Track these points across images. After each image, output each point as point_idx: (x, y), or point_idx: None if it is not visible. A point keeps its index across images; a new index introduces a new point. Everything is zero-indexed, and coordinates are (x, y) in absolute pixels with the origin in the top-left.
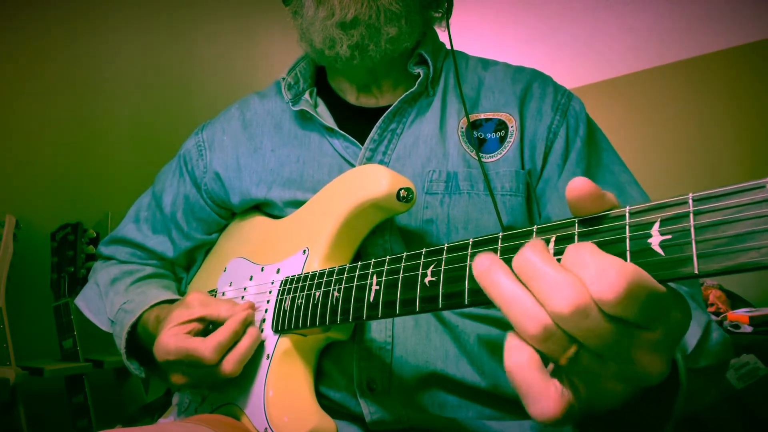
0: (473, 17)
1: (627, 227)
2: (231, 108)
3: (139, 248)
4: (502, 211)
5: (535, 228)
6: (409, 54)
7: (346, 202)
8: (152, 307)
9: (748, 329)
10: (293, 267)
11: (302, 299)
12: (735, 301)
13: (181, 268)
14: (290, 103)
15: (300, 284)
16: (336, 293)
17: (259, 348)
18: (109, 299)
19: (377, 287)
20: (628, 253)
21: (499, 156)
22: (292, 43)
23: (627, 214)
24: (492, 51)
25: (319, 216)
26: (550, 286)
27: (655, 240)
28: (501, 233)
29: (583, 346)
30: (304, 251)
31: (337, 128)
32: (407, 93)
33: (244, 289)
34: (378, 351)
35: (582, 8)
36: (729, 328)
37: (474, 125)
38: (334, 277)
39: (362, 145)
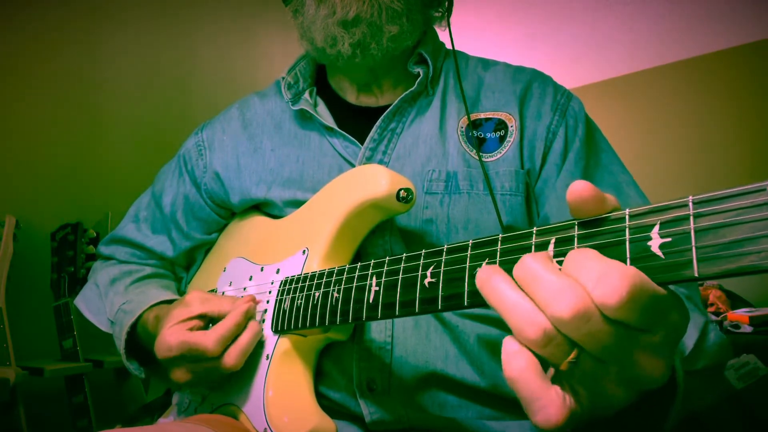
0: (473, 17)
1: (627, 230)
2: (231, 108)
3: (138, 248)
4: (501, 210)
5: (534, 230)
6: (409, 53)
7: (345, 203)
8: (152, 307)
9: (748, 329)
10: (293, 267)
11: (302, 300)
12: (735, 301)
13: (181, 267)
14: (290, 103)
15: (299, 284)
16: (335, 294)
17: (259, 348)
18: (108, 299)
19: (377, 288)
20: (628, 256)
21: (498, 155)
22: (292, 43)
23: (627, 217)
24: (492, 51)
25: (319, 216)
26: (551, 291)
27: (655, 243)
28: (501, 234)
29: (583, 351)
30: (304, 251)
31: (336, 128)
32: (407, 92)
33: (244, 289)
34: (378, 351)
35: (582, 8)
36: (729, 328)
37: (474, 125)
38: (334, 277)
39: (362, 144)
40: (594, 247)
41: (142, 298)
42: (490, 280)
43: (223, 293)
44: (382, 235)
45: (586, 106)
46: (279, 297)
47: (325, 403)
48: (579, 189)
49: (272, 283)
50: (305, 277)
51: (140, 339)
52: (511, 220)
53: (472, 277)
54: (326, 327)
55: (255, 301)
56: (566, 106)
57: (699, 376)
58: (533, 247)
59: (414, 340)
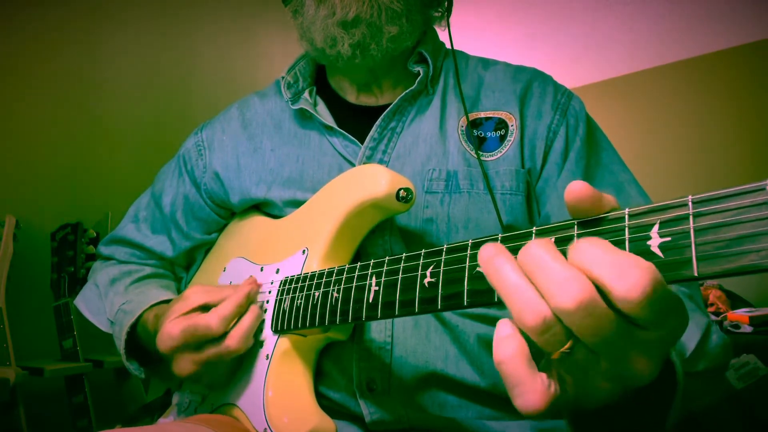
0: (473, 17)
1: (626, 229)
2: (231, 108)
3: (138, 248)
4: (501, 210)
5: (534, 229)
6: (409, 53)
7: (345, 203)
8: (151, 307)
9: (748, 329)
10: (293, 267)
11: (302, 299)
12: (735, 301)
13: (181, 267)
14: (289, 102)
15: (299, 284)
16: (335, 294)
17: (259, 348)
18: (108, 300)
19: (376, 288)
20: None
21: (499, 155)
22: (292, 43)
23: (626, 216)
24: (492, 51)
25: (319, 216)
26: (556, 280)
27: (655, 242)
28: (500, 234)
29: (579, 341)
30: (304, 251)
31: (336, 127)
32: (407, 91)
33: None
34: (377, 351)
35: (582, 8)
36: (729, 328)
37: (474, 124)
38: (334, 277)
39: (362, 143)
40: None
41: (142, 298)
42: (493, 259)
43: None
44: (381, 234)
45: (586, 106)
46: (279, 297)
47: (325, 403)
48: (577, 189)
49: (272, 282)
50: (305, 277)
51: (140, 339)
52: (511, 220)
53: (472, 277)
54: (326, 327)
55: (257, 284)
56: (567, 105)
57: (699, 377)
58: None
59: (414, 340)
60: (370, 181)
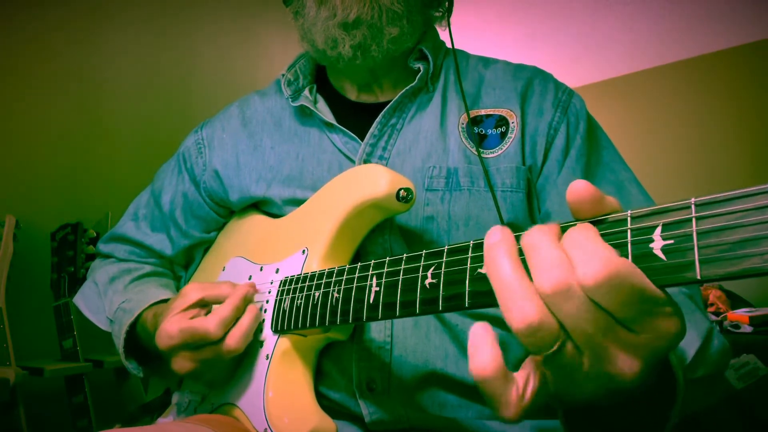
0: (473, 17)
1: (629, 231)
2: (231, 106)
3: (137, 246)
4: (502, 207)
5: None
6: (409, 53)
7: (345, 202)
8: (151, 306)
9: (748, 329)
10: (292, 267)
11: (302, 300)
12: (735, 301)
13: (180, 266)
14: (290, 99)
15: (299, 285)
16: (336, 294)
17: (259, 348)
18: (107, 298)
19: (377, 288)
20: (630, 257)
21: (499, 152)
22: (292, 43)
23: (629, 218)
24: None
25: (319, 216)
26: (543, 263)
27: (657, 245)
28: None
29: (565, 342)
30: (303, 251)
31: (336, 123)
32: (407, 87)
33: None
34: (377, 351)
35: (582, 8)
36: (729, 328)
37: (474, 121)
38: (334, 277)
39: (362, 140)
40: (597, 230)
41: (142, 297)
42: (494, 248)
43: None
44: (381, 233)
45: (586, 105)
46: (278, 297)
47: (325, 403)
48: (579, 189)
49: (272, 282)
50: (305, 277)
51: (139, 338)
52: (512, 217)
53: (474, 278)
54: (326, 327)
55: (254, 287)
56: (568, 103)
57: (698, 384)
58: None
59: (414, 340)
60: (370, 181)
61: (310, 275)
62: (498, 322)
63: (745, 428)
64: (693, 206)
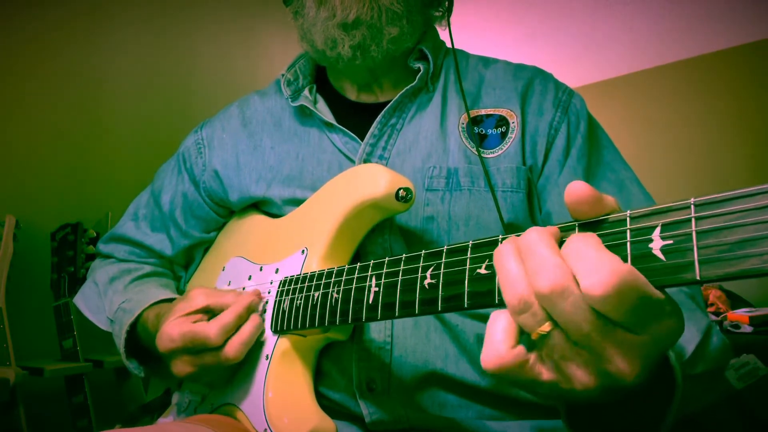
0: (473, 17)
1: (628, 231)
2: (231, 106)
3: (137, 246)
4: (502, 207)
5: None
6: (409, 52)
7: (344, 202)
8: (151, 306)
9: (748, 329)
10: (292, 267)
11: (301, 300)
12: (735, 301)
13: (180, 266)
14: (289, 99)
15: (299, 285)
16: (335, 294)
17: (259, 348)
18: (107, 298)
19: (376, 289)
20: (629, 257)
21: (500, 152)
22: (292, 43)
23: (628, 219)
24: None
25: (318, 216)
26: (539, 263)
27: (657, 245)
28: (501, 236)
29: (557, 327)
30: (303, 251)
31: (336, 123)
32: (407, 87)
33: (243, 288)
34: (377, 351)
35: (582, 8)
36: (729, 328)
37: (475, 121)
38: (333, 278)
39: (362, 140)
40: (599, 238)
41: (142, 297)
42: (502, 246)
43: None
44: (381, 233)
45: (586, 105)
46: (278, 297)
47: (325, 403)
48: (577, 190)
49: (271, 282)
50: (304, 277)
51: (140, 338)
52: (512, 217)
53: (473, 278)
54: (326, 327)
55: (259, 296)
56: (568, 103)
57: (698, 380)
58: None
59: (413, 340)
60: (369, 181)
61: (310, 275)
62: None
63: (745, 428)
64: (692, 206)
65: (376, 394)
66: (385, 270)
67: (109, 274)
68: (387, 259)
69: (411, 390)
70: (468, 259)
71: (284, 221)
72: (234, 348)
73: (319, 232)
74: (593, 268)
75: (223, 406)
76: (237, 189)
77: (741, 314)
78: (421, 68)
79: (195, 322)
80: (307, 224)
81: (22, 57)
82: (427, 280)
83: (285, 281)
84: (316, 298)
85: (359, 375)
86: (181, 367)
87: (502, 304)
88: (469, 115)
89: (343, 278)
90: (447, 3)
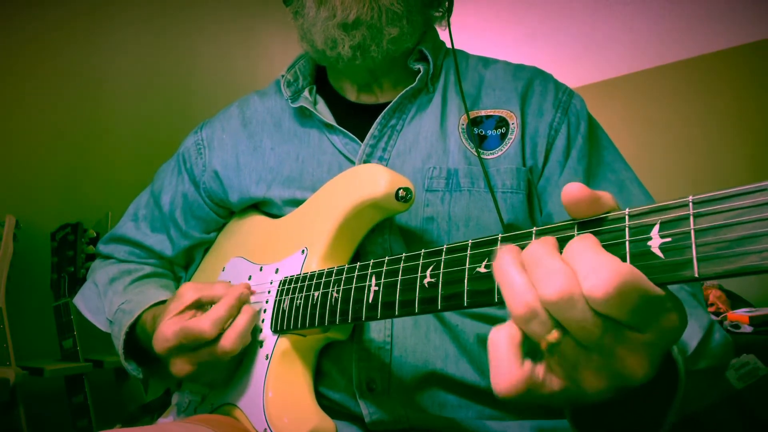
0: (473, 17)
1: (627, 230)
2: (231, 107)
3: (137, 247)
4: (502, 208)
5: (534, 230)
6: (409, 53)
7: (344, 202)
8: (150, 307)
9: (748, 329)
10: (292, 267)
11: (301, 299)
12: (735, 301)
13: (180, 267)
14: (289, 101)
15: (299, 284)
16: (335, 294)
17: (259, 348)
18: (107, 299)
19: (376, 288)
20: (627, 256)
21: (500, 153)
22: (292, 43)
23: (626, 217)
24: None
25: (318, 216)
26: (545, 272)
27: (655, 243)
28: (500, 235)
29: (567, 334)
30: (303, 251)
31: (336, 125)
32: (407, 88)
33: None
34: (377, 351)
35: (582, 8)
36: (729, 328)
37: (475, 122)
38: (333, 277)
39: (362, 141)
40: (598, 240)
41: (141, 298)
42: (502, 254)
43: None
44: (381, 233)
45: (586, 105)
46: (278, 297)
47: (324, 403)
48: (573, 191)
49: (271, 282)
50: (304, 277)
51: (138, 339)
52: (512, 218)
53: (472, 277)
54: (326, 327)
55: (249, 289)
56: (568, 104)
57: (700, 376)
58: None
59: (413, 340)
60: (369, 181)
61: (310, 275)
62: (499, 323)
63: (745, 428)
64: (691, 204)
65: (376, 394)
66: (384, 269)
67: (109, 274)
68: (387, 258)
69: (411, 390)
70: (468, 259)
71: (284, 221)
72: (230, 339)
73: (319, 232)
74: (593, 271)
75: (223, 405)
76: (237, 190)
77: (741, 314)
78: (421, 69)
79: (188, 319)
80: (307, 224)
81: (22, 57)
82: (427, 279)
83: (285, 281)
84: (316, 297)
85: (359, 375)
86: (179, 366)
87: (501, 303)
88: (468, 116)
89: (343, 278)
90: (447, 3)
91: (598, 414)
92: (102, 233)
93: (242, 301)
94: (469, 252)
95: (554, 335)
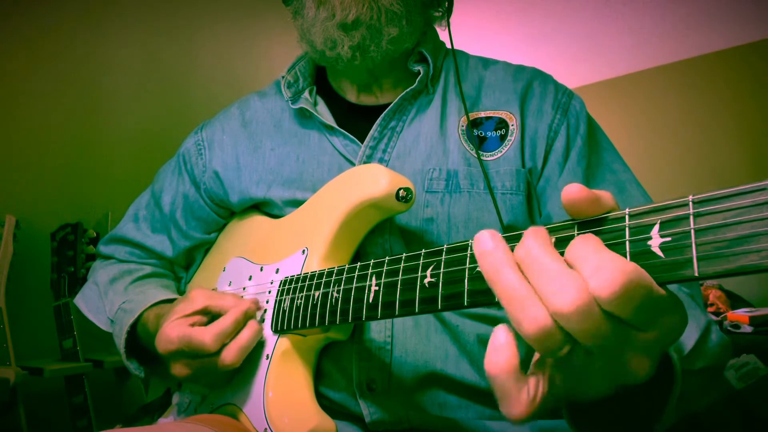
0: (473, 17)
1: (627, 229)
2: (231, 107)
3: (138, 247)
4: (502, 209)
5: None
6: (409, 53)
7: (345, 202)
8: (152, 306)
9: (748, 329)
10: (292, 267)
11: (301, 299)
12: (735, 301)
13: (181, 267)
14: (290, 102)
15: (299, 284)
16: (335, 294)
17: (259, 348)
18: (108, 299)
19: (376, 288)
20: (628, 255)
21: (499, 154)
22: (292, 43)
23: (627, 216)
24: (492, 51)
25: (318, 216)
26: (553, 282)
27: (655, 242)
28: (501, 235)
29: (577, 344)
30: (303, 251)
31: (336, 126)
32: (407, 90)
33: (243, 288)
34: (377, 351)
35: (582, 8)
36: (729, 328)
37: (474, 123)
38: (333, 277)
39: (362, 143)
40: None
41: (142, 297)
42: (491, 255)
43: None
44: (381, 233)
45: (586, 106)
46: (278, 297)
47: (325, 403)
48: (572, 192)
49: (272, 282)
50: (305, 277)
51: (140, 338)
52: (512, 220)
53: (473, 277)
54: (326, 327)
55: (257, 305)
56: (568, 105)
57: (698, 375)
58: None
59: (414, 340)
60: (369, 181)
61: (310, 275)
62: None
63: (745, 428)
64: (691, 203)
65: (376, 394)
66: (385, 269)
67: (110, 274)
68: (387, 258)
69: (411, 390)
70: (468, 257)
71: (284, 221)
72: (231, 354)
73: (320, 232)
74: (598, 269)
75: (223, 406)
76: (237, 190)
77: (741, 314)
78: (421, 71)
79: (193, 324)
80: (307, 224)
81: (22, 57)
82: (427, 279)
83: (285, 281)
84: (316, 297)
85: (359, 375)
86: (179, 369)
87: (500, 303)
88: (468, 118)
89: (344, 277)
90: (447, 3)
91: (595, 411)
92: (102, 233)
93: (249, 316)
94: (469, 252)
95: (566, 350)
